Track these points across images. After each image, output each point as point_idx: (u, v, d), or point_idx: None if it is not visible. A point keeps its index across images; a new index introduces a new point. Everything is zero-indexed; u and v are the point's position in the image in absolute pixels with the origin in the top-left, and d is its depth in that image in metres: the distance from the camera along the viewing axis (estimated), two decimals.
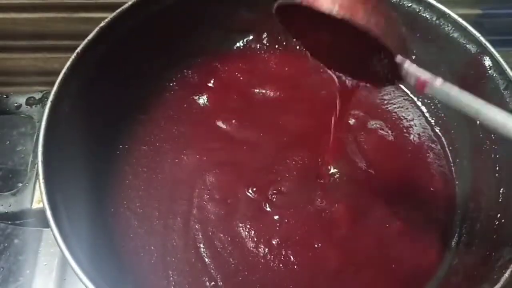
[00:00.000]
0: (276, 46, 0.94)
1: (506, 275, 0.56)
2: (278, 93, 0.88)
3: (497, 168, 0.73)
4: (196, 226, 0.73)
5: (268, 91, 0.88)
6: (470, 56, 0.76)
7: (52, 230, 0.58)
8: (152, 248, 0.72)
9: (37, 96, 0.72)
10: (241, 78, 0.90)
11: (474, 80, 0.76)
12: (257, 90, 0.89)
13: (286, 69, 0.92)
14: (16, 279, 0.82)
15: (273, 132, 0.83)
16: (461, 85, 0.77)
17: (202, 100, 0.87)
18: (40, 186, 0.60)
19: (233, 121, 0.84)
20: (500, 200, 0.71)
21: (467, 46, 0.77)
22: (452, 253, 0.73)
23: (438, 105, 0.86)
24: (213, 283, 0.69)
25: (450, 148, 0.84)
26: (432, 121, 0.87)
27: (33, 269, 0.81)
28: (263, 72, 0.92)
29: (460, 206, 0.78)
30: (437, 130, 0.86)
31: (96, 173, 0.76)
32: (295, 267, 0.70)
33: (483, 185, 0.75)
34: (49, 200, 0.60)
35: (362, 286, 0.70)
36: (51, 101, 0.66)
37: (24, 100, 0.72)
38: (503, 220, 0.68)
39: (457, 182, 0.81)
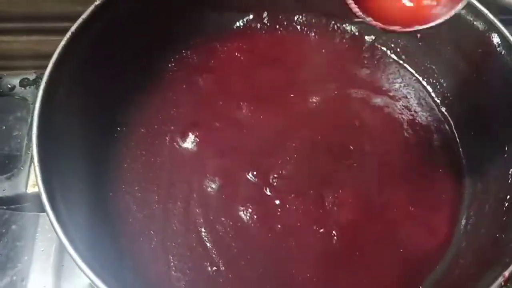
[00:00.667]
0: (277, 26, 0.92)
1: None
2: (279, 74, 0.86)
3: (506, 149, 0.71)
4: (197, 210, 0.71)
5: (269, 72, 0.86)
6: (478, 34, 0.74)
7: (48, 215, 0.56)
8: (152, 233, 0.70)
9: (31, 77, 0.70)
10: (242, 58, 0.88)
11: (482, 58, 0.74)
12: (258, 71, 0.86)
13: (288, 49, 0.90)
14: (14, 265, 0.80)
15: (275, 114, 0.81)
16: (469, 63, 0.77)
17: (202, 81, 0.84)
18: (35, 170, 0.58)
19: (234, 103, 0.82)
20: (509, 181, 0.69)
21: (475, 23, 0.74)
22: (461, 235, 0.72)
23: (444, 85, 0.84)
24: (215, 268, 0.67)
25: (457, 128, 0.82)
26: (438, 101, 0.85)
27: (31, 255, 0.79)
28: (264, 52, 0.89)
29: (468, 187, 0.76)
30: (443, 110, 0.84)
31: (93, 156, 0.73)
32: (298, 252, 0.69)
33: (491, 166, 0.73)
34: (44, 184, 0.58)
35: (368, 271, 0.68)
36: (45, 82, 0.64)
37: (18, 81, 0.70)
38: None
39: (464, 162, 0.79)
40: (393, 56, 0.89)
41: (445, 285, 0.66)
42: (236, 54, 0.88)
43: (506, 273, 0.53)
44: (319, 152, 0.77)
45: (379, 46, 0.90)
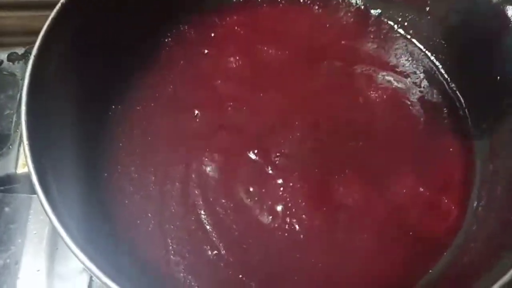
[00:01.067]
0: None
1: None
2: (280, 50, 0.82)
3: None
4: (196, 192, 0.68)
5: (270, 48, 0.82)
6: (492, 6, 0.70)
7: (38, 196, 0.54)
8: (149, 215, 0.67)
9: (20, 51, 0.66)
10: (241, 33, 0.84)
11: (495, 31, 0.71)
12: (259, 47, 0.82)
13: (290, 23, 0.86)
14: (8, 248, 0.77)
15: (276, 91, 0.77)
16: (480, 36, 0.73)
17: (200, 57, 0.81)
18: (24, 149, 0.55)
19: (234, 80, 0.78)
20: None
21: None
22: (472, 218, 0.69)
23: (454, 60, 0.81)
24: (215, 251, 0.65)
25: (468, 105, 0.78)
26: (448, 77, 0.81)
27: (24, 238, 0.76)
28: (265, 27, 0.86)
29: (479, 167, 0.73)
30: (453, 86, 0.81)
31: (87, 135, 0.71)
32: (302, 234, 0.66)
33: (503, 146, 0.70)
34: (34, 164, 0.55)
35: (375, 255, 0.66)
36: (34, 56, 0.61)
37: (6, 56, 0.66)
38: None
39: (475, 141, 0.75)
40: (400, 30, 0.86)
41: (456, 271, 0.64)
42: (236, 28, 0.85)
43: None
44: (324, 130, 0.74)
45: (385, 20, 0.86)
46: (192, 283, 0.63)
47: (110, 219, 0.67)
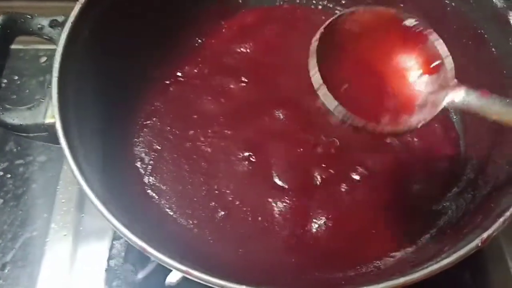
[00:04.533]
0: None
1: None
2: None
3: None
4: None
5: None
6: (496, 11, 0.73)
7: (60, 143, 0.60)
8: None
9: (60, 19, 0.73)
10: None
11: (500, 38, 0.73)
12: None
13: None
14: (34, 222, 0.84)
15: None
16: (488, 45, 0.75)
17: None
18: (52, 100, 0.62)
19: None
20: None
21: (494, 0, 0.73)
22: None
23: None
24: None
25: None
26: None
27: (51, 211, 0.82)
28: None
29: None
30: None
31: (116, 99, 0.76)
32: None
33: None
34: (60, 114, 0.61)
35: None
36: (71, 22, 0.68)
37: (48, 22, 0.73)
38: None
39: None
40: None
41: None
42: None
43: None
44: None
45: None
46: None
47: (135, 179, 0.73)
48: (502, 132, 0.68)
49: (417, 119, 0.56)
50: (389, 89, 0.59)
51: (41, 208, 0.84)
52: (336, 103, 0.55)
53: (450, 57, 0.56)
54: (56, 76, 0.64)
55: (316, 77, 0.55)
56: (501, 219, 0.55)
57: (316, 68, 0.55)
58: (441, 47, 0.57)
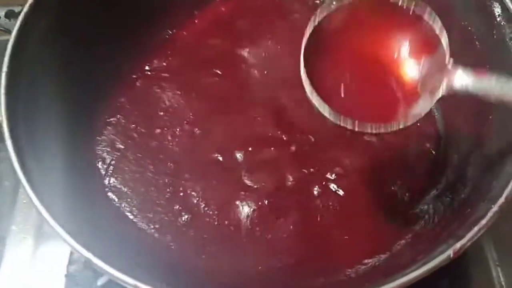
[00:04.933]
0: None
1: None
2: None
3: None
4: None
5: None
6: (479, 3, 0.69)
7: (6, 144, 0.56)
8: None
9: (17, 9, 0.69)
10: None
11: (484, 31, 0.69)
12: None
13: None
14: None
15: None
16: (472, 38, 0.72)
17: None
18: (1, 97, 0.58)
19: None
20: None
21: None
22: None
23: None
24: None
25: None
26: None
27: (12, 212, 0.77)
28: None
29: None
30: None
31: (77, 95, 0.71)
32: None
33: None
34: (7, 111, 0.57)
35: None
36: (24, 13, 0.64)
37: (3, 12, 0.69)
38: None
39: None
40: None
41: None
42: None
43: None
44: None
45: None
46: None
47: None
48: (482, 130, 0.65)
49: (417, 110, 0.54)
50: (387, 81, 0.57)
51: (2, 209, 0.79)
52: (328, 109, 0.53)
53: (445, 32, 0.53)
54: (5, 71, 0.59)
55: (307, 86, 0.54)
56: (476, 228, 0.51)
57: (306, 77, 0.54)
58: (436, 23, 0.54)
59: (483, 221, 0.51)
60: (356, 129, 0.53)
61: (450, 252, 0.50)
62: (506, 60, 0.63)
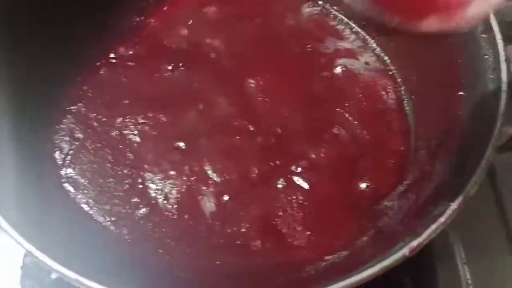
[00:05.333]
0: None
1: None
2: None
3: None
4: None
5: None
6: None
7: None
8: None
9: None
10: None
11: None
12: None
13: None
14: None
15: None
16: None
17: None
18: None
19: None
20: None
21: None
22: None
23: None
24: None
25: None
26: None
27: None
28: None
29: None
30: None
31: (37, 83, 0.69)
32: None
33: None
34: None
35: None
36: None
37: None
38: None
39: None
40: None
41: None
42: None
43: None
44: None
45: None
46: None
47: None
48: (451, 127, 0.63)
49: (473, 11, 0.46)
50: None
51: None
52: None
53: None
54: None
55: None
56: (434, 225, 0.49)
57: None
58: None
59: (442, 219, 0.50)
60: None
61: (406, 251, 0.48)
62: None
